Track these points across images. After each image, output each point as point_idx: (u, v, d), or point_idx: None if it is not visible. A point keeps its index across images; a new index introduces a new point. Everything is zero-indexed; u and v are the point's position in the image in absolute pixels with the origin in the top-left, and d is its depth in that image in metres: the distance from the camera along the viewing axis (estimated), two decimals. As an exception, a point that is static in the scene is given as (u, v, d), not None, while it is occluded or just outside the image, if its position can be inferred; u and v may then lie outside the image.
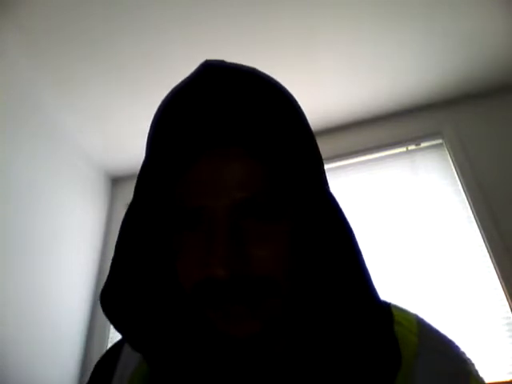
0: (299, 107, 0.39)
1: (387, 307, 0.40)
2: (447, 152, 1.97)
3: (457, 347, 0.39)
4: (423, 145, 2.03)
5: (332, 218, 0.37)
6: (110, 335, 1.89)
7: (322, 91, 1.95)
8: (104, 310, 0.39)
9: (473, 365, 0.38)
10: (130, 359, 0.45)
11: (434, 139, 2.02)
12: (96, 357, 1.82)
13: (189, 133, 0.34)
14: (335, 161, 2.07)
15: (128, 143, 2.11)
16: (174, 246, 0.36)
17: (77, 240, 1.93)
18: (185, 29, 1.59)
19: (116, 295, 0.40)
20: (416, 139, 2.03)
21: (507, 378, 1.44)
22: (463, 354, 0.38)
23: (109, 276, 0.40)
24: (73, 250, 1.88)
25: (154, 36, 1.61)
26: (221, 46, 1.67)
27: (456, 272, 1.67)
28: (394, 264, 1.76)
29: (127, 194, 2.27)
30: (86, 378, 1.71)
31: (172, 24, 1.57)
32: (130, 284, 0.40)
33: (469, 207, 1.79)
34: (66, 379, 1.69)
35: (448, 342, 0.39)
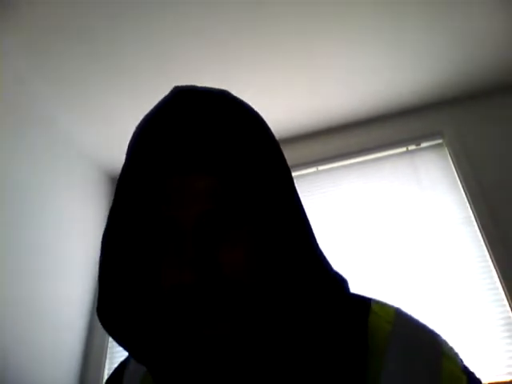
0: (264, 124, 0.43)
1: (368, 301, 0.43)
2: (447, 152, 1.97)
3: (430, 330, 0.40)
4: (423, 145, 2.03)
5: (292, 218, 0.41)
6: (110, 335, 1.90)
7: (322, 91, 1.94)
8: (102, 324, 0.42)
9: (445, 342, 0.39)
10: (134, 374, 0.47)
11: (434, 139, 2.02)
12: (96, 357, 1.82)
13: (162, 154, 0.38)
14: (335, 161, 2.07)
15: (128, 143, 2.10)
16: (154, 251, 0.39)
17: (76, 240, 1.92)
18: (183, 28, 1.59)
19: (110, 307, 0.42)
20: (416, 139, 2.03)
21: (506, 378, 1.44)
22: (436, 335, 0.40)
23: (100, 288, 0.42)
24: (72, 249, 1.88)
25: (153, 35, 1.61)
26: (221, 46, 1.67)
27: (456, 272, 1.67)
28: (394, 264, 1.76)
29: (127, 193, 2.27)
30: (86, 378, 1.72)
31: (172, 24, 1.57)
32: (121, 294, 0.42)
33: (469, 207, 1.79)
34: (66, 379, 1.69)
35: (421, 326, 0.40)
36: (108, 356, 1.84)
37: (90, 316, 1.91)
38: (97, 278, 0.43)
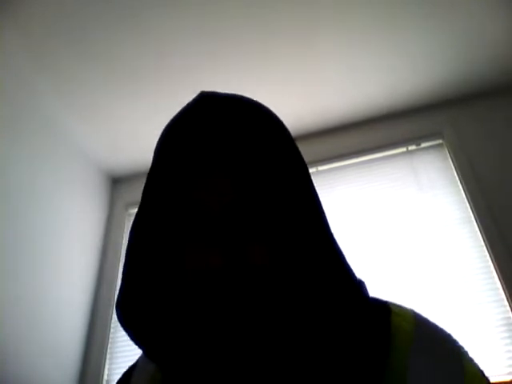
0: (279, 123, 0.46)
1: (385, 303, 0.44)
2: (447, 152, 1.97)
3: (449, 334, 0.42)
4: (423, 145, 2.03)
5: (308, 213, 0.43)
6: (111, 335, 1.89)
7: (322, 91, 1.95)
8: (119, 319, 0.43)
9: (464, 349, 0.42)
10: (142, 374, 0.48)
11: (434, 139, 2.02)
12: (96, 357, 1.82)
13: (188, 154, 0.41)
14: (335, 161, 2.07)
15: (128, 143, 2.11)
16: (178, 237, 0.41)
17: (77, 240, 1.93)
18: (183, 32, 1.59)
19: (130, 299, 0.43)
20: (416, 139, 2.03)
21: (507, 379, 1.44)
22: (456, 340, 0.42)
23: (122, 283, 0.44)
24: (73, 249, 1.88)
25: (155, 37, 1.61)
26: (219, 47, 1.67)
27: (456, 272, 1.67)
28: (393, 264, 1.76)
29: (127, 194, 2.27)
30: (86, 378, 1.72)
31: (172, 26, 1.57)
32: (143, 282, 0.43)
33: (468, 207, 1.79)
34: (66, 379, 1.69)
35: (441, 330, 0.42)
36: (108, 356, 1.84)
37: (90, 316, 1.91)
38: (122, 269, 0.45)
